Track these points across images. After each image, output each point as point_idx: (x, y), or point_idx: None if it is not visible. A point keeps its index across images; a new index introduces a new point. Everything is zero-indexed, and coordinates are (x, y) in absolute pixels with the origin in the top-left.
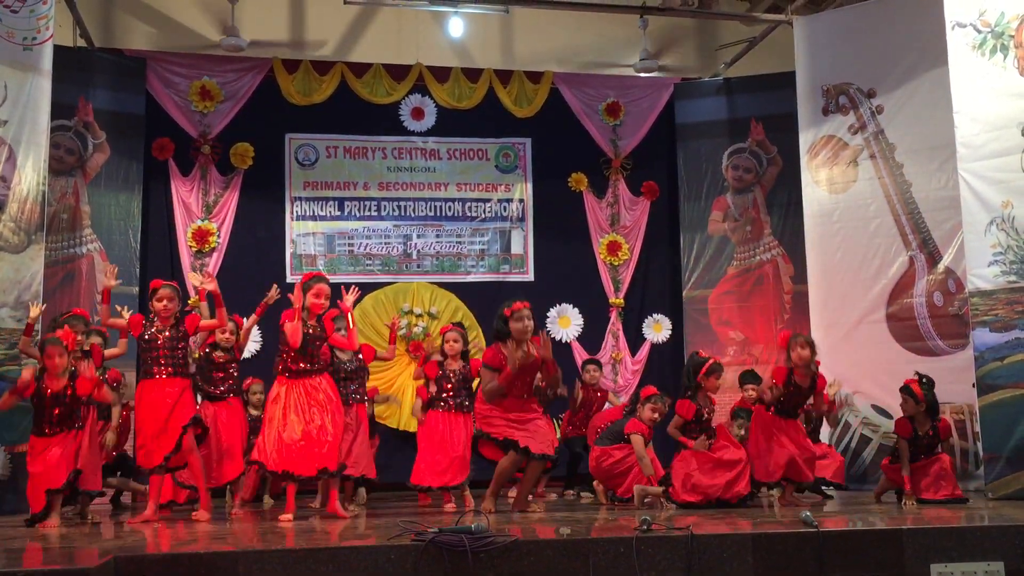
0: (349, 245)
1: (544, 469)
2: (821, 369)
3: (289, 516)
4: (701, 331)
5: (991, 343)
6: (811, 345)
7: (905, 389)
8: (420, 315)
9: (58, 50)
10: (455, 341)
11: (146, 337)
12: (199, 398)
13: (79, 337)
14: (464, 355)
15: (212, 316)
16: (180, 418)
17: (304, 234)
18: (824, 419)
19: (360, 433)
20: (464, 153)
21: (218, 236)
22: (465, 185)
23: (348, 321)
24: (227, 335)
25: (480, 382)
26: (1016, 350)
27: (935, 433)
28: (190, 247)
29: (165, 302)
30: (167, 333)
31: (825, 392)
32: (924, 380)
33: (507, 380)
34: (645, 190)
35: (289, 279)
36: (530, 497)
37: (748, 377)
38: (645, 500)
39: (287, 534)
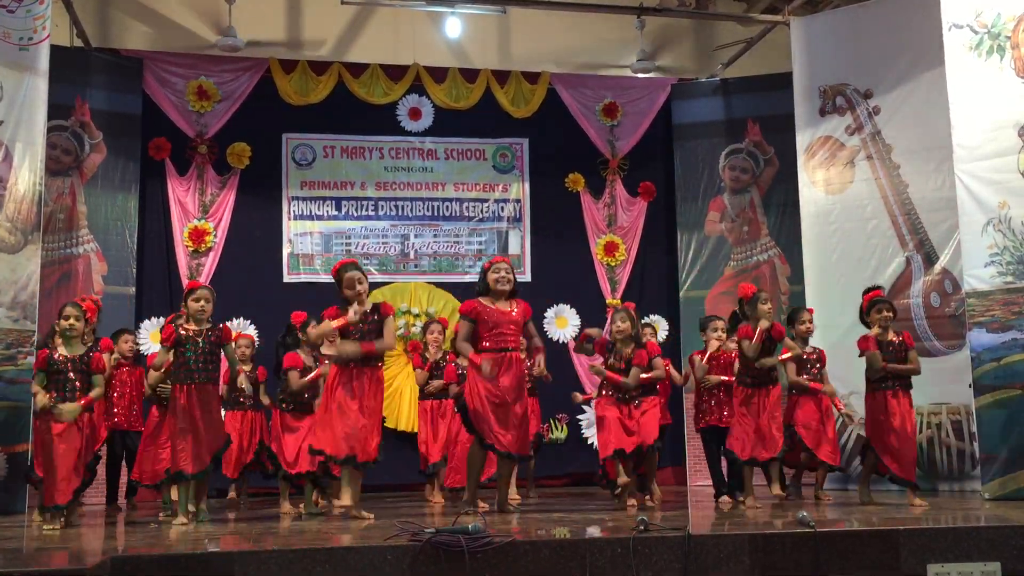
0: (346, 245)
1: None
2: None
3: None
4: (698, 331)
5: (988, 344)
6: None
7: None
8: (418, 315)
9: (55, 50)
10: (440, 333)
11: (180, 342)
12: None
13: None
14: None
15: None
16: (217, 433)
17: (301, 233)
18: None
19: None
20: (461, 153)
21: (215, 236)
22: (462, 185)
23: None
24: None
25: (455, 336)
26: (1013, 351)
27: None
28: (187, 247)
29: (203, 303)
30: (202, 338)
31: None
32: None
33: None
34: (642, 190)
35: (286, 279)
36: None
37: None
38: None
39: (285, 534)
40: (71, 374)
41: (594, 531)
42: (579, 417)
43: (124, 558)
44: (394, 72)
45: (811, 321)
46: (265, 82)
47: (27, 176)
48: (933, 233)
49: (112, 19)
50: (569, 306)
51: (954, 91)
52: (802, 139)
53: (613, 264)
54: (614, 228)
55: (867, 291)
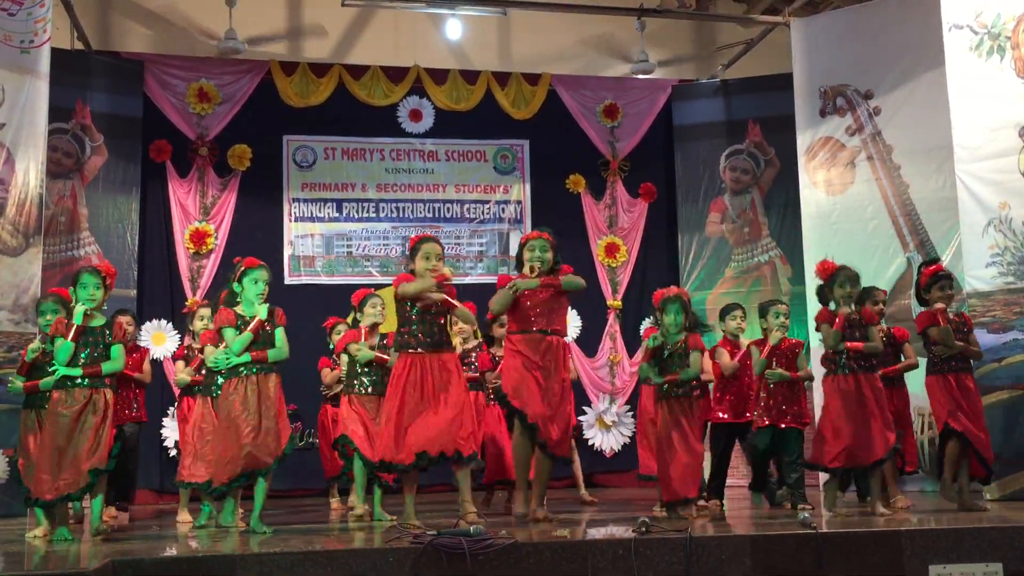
0: (348, 246)
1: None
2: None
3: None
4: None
5: (989, 344)
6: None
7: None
8: None
9: (55, 53)
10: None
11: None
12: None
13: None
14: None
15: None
16: (281, 421)
17: (302, 235)
18: None
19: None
20: (462, 155)
21: (216, 238)
22: (463, 187)
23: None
24: None
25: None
26: (1014, 351)
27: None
28: (188, 249)
29: (261, 283)
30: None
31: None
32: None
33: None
34: (643, 192)
35: (287, 281)
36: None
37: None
38: None
39: (285, 537)
40: (91, 348)
41: (595, 533)
42: (580, 419)
43: (125, 561)
44: (395, 74)
45: (885, 303)
46: (266, 84)
47: (28, 179)
48: (934, 234)
49: (113, 22)
50: (570, 307)
51: (954, 92)
52: (803, 140)
53: (614, 265)
54: (615, 229)
55: (925, 264)
